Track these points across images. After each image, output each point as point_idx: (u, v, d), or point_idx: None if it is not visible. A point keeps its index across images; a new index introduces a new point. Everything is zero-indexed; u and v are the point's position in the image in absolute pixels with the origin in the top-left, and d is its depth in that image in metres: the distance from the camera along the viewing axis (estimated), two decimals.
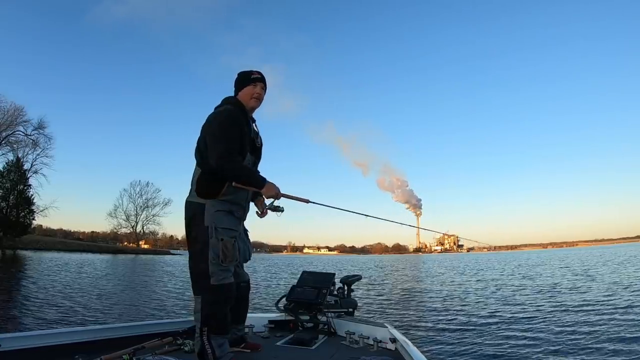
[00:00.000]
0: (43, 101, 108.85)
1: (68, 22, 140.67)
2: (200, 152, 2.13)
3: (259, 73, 2.30)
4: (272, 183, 2.12)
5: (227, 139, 2.04)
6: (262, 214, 2.32)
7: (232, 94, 2.31)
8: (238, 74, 2.32)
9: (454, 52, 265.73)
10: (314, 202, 2.31)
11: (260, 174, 2.35)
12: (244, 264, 2.43)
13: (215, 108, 2.24)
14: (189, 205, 2.15)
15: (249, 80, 2.26)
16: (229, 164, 2.02)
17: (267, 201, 2.24)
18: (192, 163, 2.21)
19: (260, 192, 2.14)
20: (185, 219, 2.16)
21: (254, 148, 2.28)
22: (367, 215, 2.83)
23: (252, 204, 2.36)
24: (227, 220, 2.10)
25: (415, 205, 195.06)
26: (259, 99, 2.28)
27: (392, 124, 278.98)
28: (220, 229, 2.05)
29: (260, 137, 2.36)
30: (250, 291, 2.51)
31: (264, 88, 2.30)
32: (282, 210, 2.25)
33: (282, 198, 2.22)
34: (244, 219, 2.30)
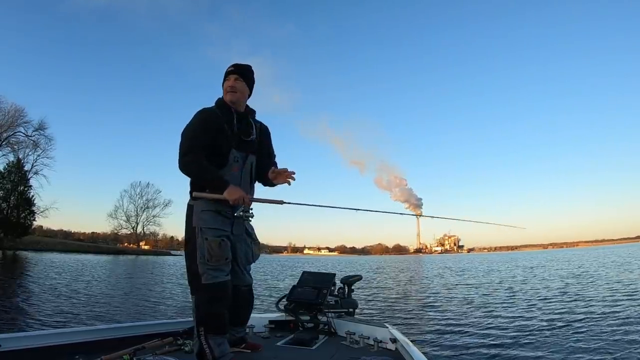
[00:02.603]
0: (39, 101, 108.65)
1: (44, 13, 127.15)
2: None
3: (233, 65, 2.27)
4: (235, 187, 2.05)
5: (189, 138, 2.06)
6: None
7: (221, 88, 2.31)
8: None
9: (452, 50, 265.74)
10: (288, 203, 2.20)
11: (253, 170, 2.29)
12: (250, 266, 2.37)
13: None
14: (187, 207, 2.18)
15: (224, 75, 2.27)
16: (183, 165, 2.05)
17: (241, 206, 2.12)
18: None
19: (221, 197, 2.03)
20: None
21: (241, 143, 2.21)
22: (358, 210, 2.54)
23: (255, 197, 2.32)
24: (213, 220, 2.08)
25: (416, 205, 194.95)
26: (233, 91, 2.21)
27: (391, 122, 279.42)
28: (205, 229, 2.05)
29: (254, 130, 2.29)
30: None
31: (241, 79, 2.24)
32: (252, 216, 2.19)
33: (253, 202, 2.16)
34: (244, 218, 2.23)
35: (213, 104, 2.26)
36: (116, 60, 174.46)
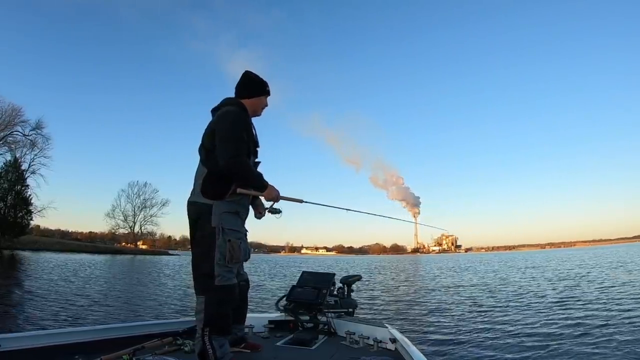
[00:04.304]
0: (37, 100, 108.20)
1: (32, 11, 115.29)
2: (206, 150, 2.14)
3: (268, 86, 2.42)
4: (272, 186, 2.17)
5: (238, 140, 2.08)
6: (260, 215, 2.37)
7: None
8: (249, 77, 2.36)
9: (451, 46, 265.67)
10: (307, 202, 2.35)
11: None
12: (244, 263, 2.44)
13: (215, 108, 2.26)
14: (194, 205, 2.15)
15: (265, 91, 2.36)
16: (239, 166, 2.05)
17: (267, 204, 2.28)
18: (191, 162, 2.23)
19: (260, 195, 2.19)
20: (189, 219, 2.17)
21: (256, 150, 2.34)
22: (368, 213, 2.84)
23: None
24: (234, 221, 2.13)
25: (413, 204, 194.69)
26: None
27: (388, 119, 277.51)
28: (227, 230, 2.08)
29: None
30: (250, 291, 2.53)
31: None
32: (281, 212, 2.28)
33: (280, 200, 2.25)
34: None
35: (231, 105, 2.27)
36: (110, 59, 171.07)
